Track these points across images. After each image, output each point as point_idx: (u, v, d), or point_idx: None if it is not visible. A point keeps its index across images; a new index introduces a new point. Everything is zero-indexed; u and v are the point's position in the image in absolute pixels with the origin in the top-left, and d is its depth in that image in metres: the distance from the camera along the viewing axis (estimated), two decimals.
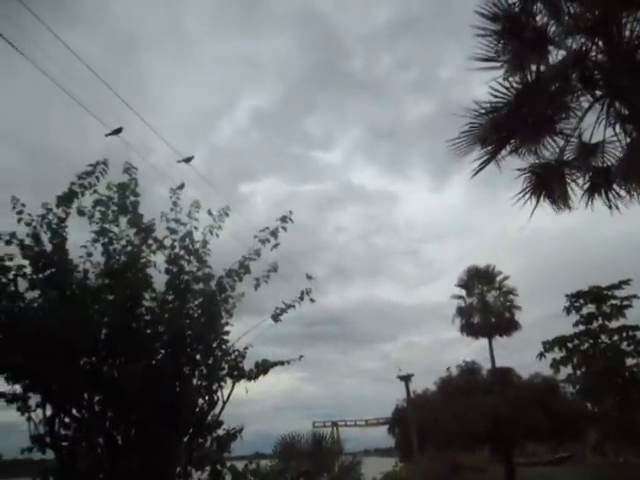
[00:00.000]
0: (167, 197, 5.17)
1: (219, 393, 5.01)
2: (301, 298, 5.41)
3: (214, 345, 5.02)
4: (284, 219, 5.37)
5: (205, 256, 5.14)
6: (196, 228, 5.13)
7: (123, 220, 4.83)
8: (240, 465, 5.34)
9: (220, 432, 4.96)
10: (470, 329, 37.22)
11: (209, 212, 5.30)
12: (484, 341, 37.09)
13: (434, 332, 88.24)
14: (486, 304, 37.34)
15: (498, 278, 37.89)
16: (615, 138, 9.37)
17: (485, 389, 31.88)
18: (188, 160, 5.74)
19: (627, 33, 8.66)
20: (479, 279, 38.04)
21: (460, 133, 9.51)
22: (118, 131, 5.45)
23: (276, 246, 5.39)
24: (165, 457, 4.48)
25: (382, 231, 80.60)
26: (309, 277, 5.60)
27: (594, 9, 8.65)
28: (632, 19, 8.60)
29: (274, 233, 5.31)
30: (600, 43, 8.82)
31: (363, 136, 73.39)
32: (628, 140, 9.02)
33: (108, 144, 5.43)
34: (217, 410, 4.99)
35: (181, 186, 5.28)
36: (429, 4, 58.31)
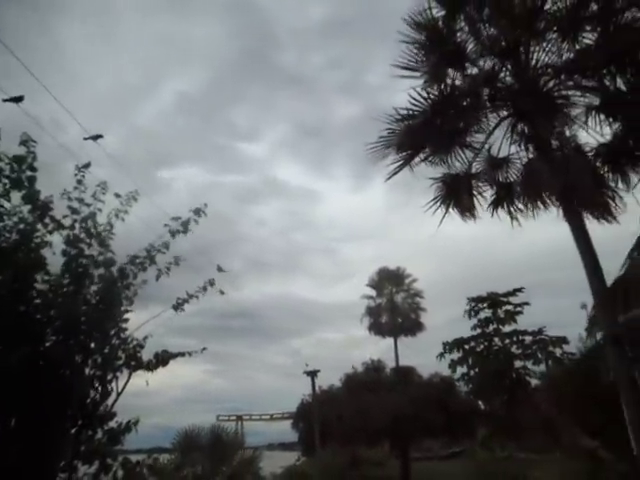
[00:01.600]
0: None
1: (114, 384, 4.80)
2: (204, 289, 5.29)
3: (111, 333, 4.80)
4: (197, 212, 5.22)
5: (108, 240, 4.90)
6: (100, 210, 4.86)
7: (17, 196, 4.48)
8: (138, 459, 5.14)
9: (113, 424, 4.76)
10: (378, 328, 38.53)
11: (117, 195, 5.06)
12: (391, 340, 38.64)
13: (346, 330, 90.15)
14: (394, 305, 38.81)
15: (407, 280, 39.52)
16: (518, 155, 10.08)
17: (388, 387, 33.05)
18: (96, 138, 5.40)
19: (534, 61, 9.33)
20: (389, 280, 39.45)
21: (378, 137, 9.82)
22: (19, 99, 5.02)
23: (186, 233, 5.24)
24: (48, 450, 4.22)
25: (302, 228, 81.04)
26: (220, 269, 5.50)
27: (507, 34, 9.21)
28: (539, 48, 9.28)
29: (185, 225, 5.15)
30: (510, 66, 9.42)
31: (290, 132, 73.27)
32: (528, 158, 9.73)
33: (8, 114, 5.02)
34: (111, 401, 4.78)
35: (87, 165, 4.99)
36: (364, 7, 59.29)
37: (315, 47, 70.64)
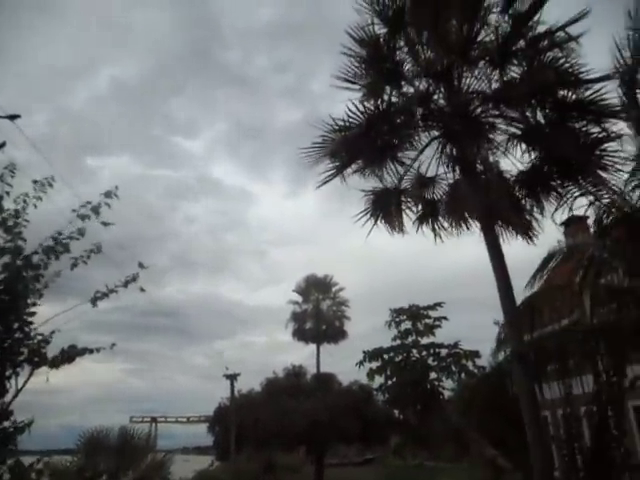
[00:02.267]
0: None
1: (13, 380, 4.52)
2: (125, 284, 5.12)
3: (14, 327, 4.52)
4: (108, 194, 5.00)
5: (17, 228, 4.62)
6: (8, 194, 4.58)
7: None
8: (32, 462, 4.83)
9: (7, 424, 4.47)
10: (302, 334, 38.76)
11: (34, 181, 4.79)
12: (314, 347, 38.94)
13: (271, 334, 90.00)
14: (319, 312, 39.19)
15: (334, 288, 40.11)
16: (445, 175, 10.54)
17: (307, 393, 33.23)
18: (13, 117, 5.10)
19: (465, 86, 9.80)
20: (316, 287, 39.83)
21: (312, 143, 9.93)
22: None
23: (106, 225, 5.04)
24: None
25: (234, 228, 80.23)
26: (141, 266, 5.32)
27: (442, 59, 9.62)
28: (470, 75, 9.77)
29: (95, 209, 4.93)
30: (443, 89, 9.84)
31: (229, 131, 72.51)
32: (454, 179, 10.20)
33: None
34: (8, 399, 4.49)
35: (1, 145, 4.69)
36: (314, 14, 59.86)
37: (261, 49, 70.52)
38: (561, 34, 9.14)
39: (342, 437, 31.18)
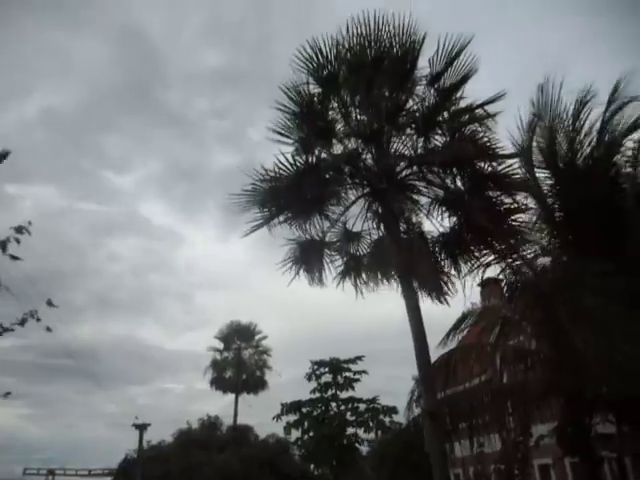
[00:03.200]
0: None
1: None
2: (22, 323, 4.73)
3: None
4: (19, 229, 4.70)
5: None
6: None
7: None
8: None
9: None
10: (221, 383, 37.40)
11: None
12: (232, 396, 37.61)
13: (190, 381, 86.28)
14: (241, 360, 38.16)
15: (257, 336, 39.36)
16: (370, 231, 10.86)
17: (222, 445, 31.88)
18: None
19: (392, 149, 10.33)
20: (239, 334, 38.94)
21: (242, 190, 10.00)
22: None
23: (15, 259, 4.72)
24: None
25: (159, 269, 77.41)
26: (50, 304, 4.95)
27: (372, 122, 10.14)
28: (398, 139, 10.33)
29: (3, 244, 4.61)
30: (372, 150, 10.31)
31: (162, 170, 71.08)
32: (379, 236, 10.55)
33: None
34: None
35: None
36: (258, 64, 61.33)
37: (202, 93, 70.90)
38: (480, 111, 9.93)
39: None
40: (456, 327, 9.76)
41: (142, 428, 28.04)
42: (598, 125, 9.06)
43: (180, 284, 78.93)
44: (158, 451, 32.02)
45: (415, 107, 10.35)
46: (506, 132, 9.70)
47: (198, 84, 68.43)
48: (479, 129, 9.95)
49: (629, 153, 8.83)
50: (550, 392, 9.19)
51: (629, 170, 8.28)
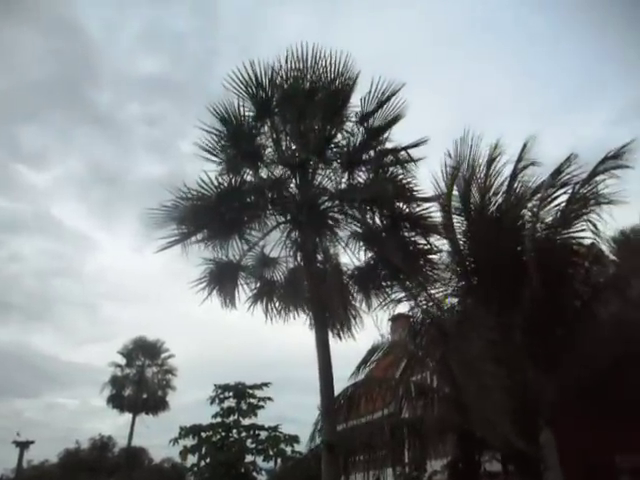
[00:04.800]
0: None
1: None
2: None
3: None
4: None
5: None
6: None
7: None
8: None
9: None
10: (119, 401, 35.35)
11: None
12: (130, 416, 35.59)
13: (85, 397, 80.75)
14: (143, 378, 36.38)
15: (163, 355, 37.73)
16: (287, 259, 10.90)
17: (112, 469, 30.08)
18: None
19: (317, 181, 10.53)
20: (144, 351, 37.19)
21: (161, 206, 9.74)
22: None
23: None
24: None
25: (65, 275, 72.02)
26: None
27: (300, 152, 10.31)
28: (323, 172, 10.56)
29: None
30: (296, 179, 10.44)
31: (82, 171, 66.78)
32: (295, 264, 10.61)
33: None
34: None
35: None
36: (195, 76, 60.29)
37: (134, 98, 68.45)
38: (403, 153, 10.39)
39: None
40: (365, 360, 9.93)
41: (23, 446, 25.65)
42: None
43: (87, 293, 74.36)
44: (39, 472, 29.58)
45: (343, 142, 10.66)
46: (431, 177, 10.19)
47: (131, 89, 66.06)
48: (401, 171, 10.39)
49: (534, 210, 9.55)
50: (445, 429, 9.53)
51: (529, 225, 8.92)
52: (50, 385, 71.75)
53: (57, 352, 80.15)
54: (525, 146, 9.00)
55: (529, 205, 9.28)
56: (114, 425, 60.62)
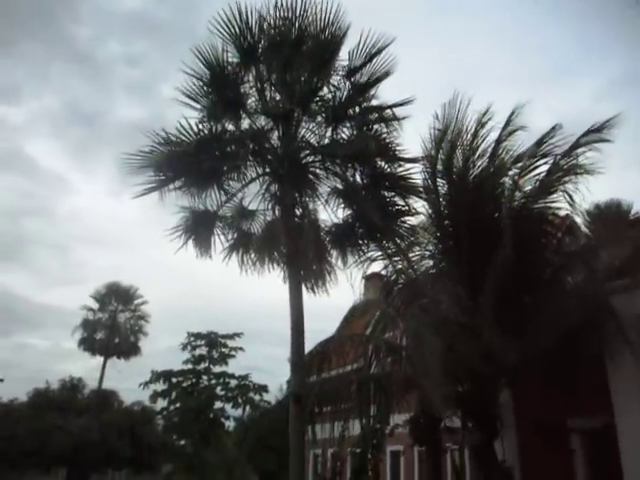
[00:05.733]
0: None
1: None
2: None
3: None
4: None
5: None
6: None
7: None
8: None
9: None
10: (90, 344, 35.57)
11: None
12: (101, 359, 35.87)
13: (57, 339, 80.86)
14: (115, 323, 36.52)
15: (137, 301, 37.85)
16: (265, 212, 10.82)
17: (81, 409, 30.44)
18: None
19: (300, 134, 10.35)
20: (117, 297, 37.21)
21: (138, 151, 9.49)
22: None
23: None
24: None
25: (37, 215, 70.35)
26: None
27: (284, 104, 10.07)
28: (307, 125, 10.36)
29: None
30: (279, 132, 10.25)
31: (58, 109, 64.25)
32: (272, 217, 10.54)
33: None
34: None
35: None
36: (180, 17, 57.96)
37: (117, 35, 65.55)
38: (389, 112, 10.24)
39: (110, 460, 28.99)
40: (347, 319, 10.08)
41: None
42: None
43: (60, 235, 73.05)
44: (7, 410, 29.77)
45: (329, 96, 10.44)
46: (414, 138, 10.10)
47: (112, 25, 63.08)
48: (385, 130, 10.28)
49: (514, 178, 9.61)
50: (410, 386, 9.82)
51: (508, 192, 8.99)
52: (21, 326, 71.60)
53: (28, 293, 79.48)
54: (513, 113, 8.94)
55: (510, 173, 9.33)
56: (85, 368, 61.09)
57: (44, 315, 66.53)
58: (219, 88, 9.93)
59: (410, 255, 10.60)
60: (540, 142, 8.63)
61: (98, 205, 73.08)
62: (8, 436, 26.15)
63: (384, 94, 10.36)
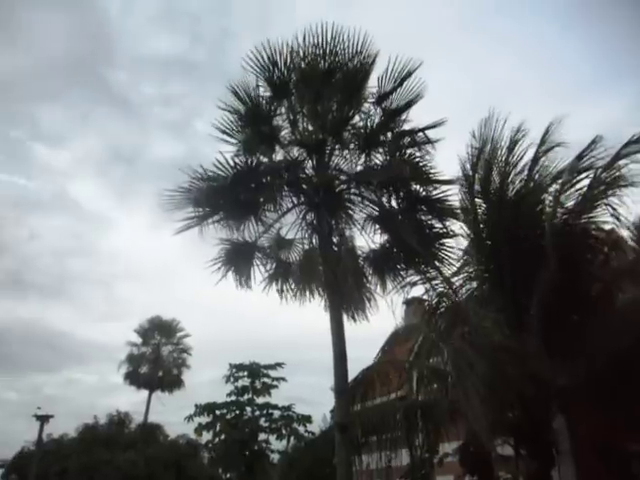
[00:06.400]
0: None
1: None
2: None
3: None
4: None
5: None
6: None
7: None
8: None
9: None
10: (135, 378, 36.16)
11: None
12: (146, 393, 36.34)
13: (103, 373, 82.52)
14: (159, 357, 37.06)
15: (179, 334, 38.39)
16: (302, 240, 10.88)
17: (128, 444, 30.75)
18: None
19: (333, 162, 10.46)
20: (160, 330, 37.83)
21: (178, 187, 9.76)
22: None
23: None
24: None
25: (82, 254, 72.87)
26: None
27: (317, 133, 10.23)
28: (340, 153, 10.47)
29: None
30: (313, 161, 10.38)
31: (99, 151, 67.23)
32: (310, 246, 10.60)
33: None
34: None
35: None
36: (212, 57, 60.21)
37: (151, 78, 68.52)
38: (421, 135, 10.25)
39: None
40: (388, 343, 9.96)
41: (43, 420, 26.38)
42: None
43: (102, 271, 75.20)
44: (58, 445, 30.38)
45: (360, 123, 10.53)
46: (450, 158, 10.06)
47: (147, 68, 66.12)
48: (418, 153, 10.27)
49: (555, 194, 9.43)
50: (457, 413, 9.55)
51: (549, 210, 8.82)
52: (68, 361, 73.48)
53: (73, 329, 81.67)
54: (548, 129, 8.84)
55: (550, 190, 9.16)
56: (130, 402, 61.86)
57: (90, 350, 68.26)
58: (253, 122, 10.17)
59: (451, 278, 10.45)
60: (581, 156, 8.48)
61: (139, 241, 75.17)
62: (60, 471, 26.63)
63: (415, 117, 10.39)
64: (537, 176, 9.16)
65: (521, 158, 9.15)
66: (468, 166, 9.33)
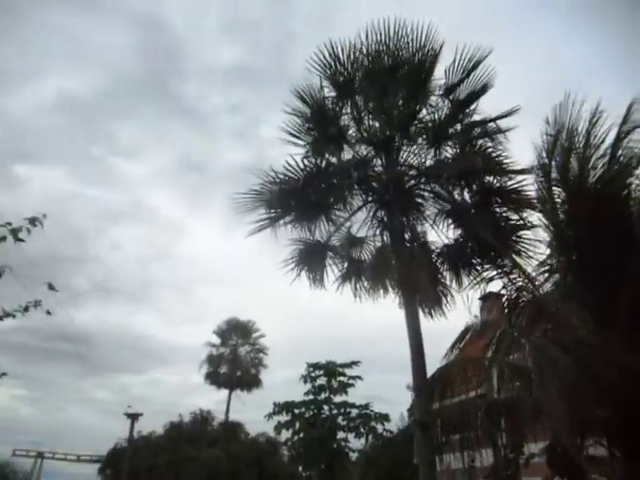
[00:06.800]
0: None
1: None
2: (26, 309, 4.81)
3: None
4: (33, 221, 4.77)
5: None
6: None
7: None
8: None
9: None
10: (215, 378, 37.48)
11: None
12: (226, 392, 37.60)
13: (185, 374, 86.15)
14: (237, 357, 38.19)
15: (255, 334, 39.39)
16: (374, 238, 10.85)
17: (211, 440, 31.86)
18: None
19: (402, 158, 10.33)
20: (237, 331, 38.98)
21: (249, 190, 10.03)
22: None
23: (15, 241, 4.75)
24: None
25: (161, 260, 76.93)
26: (51, 287, 5.02)
27: (384, 130, 10.15)
28: (408, 149, 10.33)
29: (15, 232, 4.66)
30: (381, 158, 10.31)
31: (173, 161, 70.72)
32: (382, 243, 10.54)
33: None
34: None
35: None
36: (275, 62, 61.46)
37: (218, 88, 70.91)
38: (492, 125, 9.91)
39: None
40: (459, 340, 9.72)
41: (134, 417, 28.02)
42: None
43: (181, 276, 78.71)
44: (147, 442, 32.02)
45: (428, 117, 10.36)
46: (524, 147, 9.65)
47: (213, 79, 68.61)
48: (490, 144, 9.94)
49: None
50: (543, 412, 9.15)
51: (637, 194, 8.25)
52: (153, 363, 77.32)
53: (157, 333, 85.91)
54: (631, 106, 8.25)
55: (636, 172, 8.56)
56: (211, 400, 64.21)
57: (172, 352, 71.43)
58: (320, 124, 10.28)
59: (530, 271, 10.03)
60: None
61: (214, 245, 77.87)
62: (149, 467, 28.07)
63: (485, 107, 10.06)
64: (621, 158, 8.58)
65: (602, 141, 8.59)
66: (544, 154, 8.89)
